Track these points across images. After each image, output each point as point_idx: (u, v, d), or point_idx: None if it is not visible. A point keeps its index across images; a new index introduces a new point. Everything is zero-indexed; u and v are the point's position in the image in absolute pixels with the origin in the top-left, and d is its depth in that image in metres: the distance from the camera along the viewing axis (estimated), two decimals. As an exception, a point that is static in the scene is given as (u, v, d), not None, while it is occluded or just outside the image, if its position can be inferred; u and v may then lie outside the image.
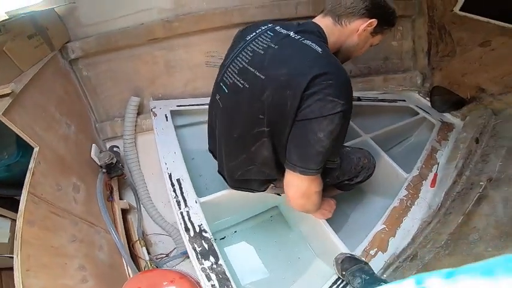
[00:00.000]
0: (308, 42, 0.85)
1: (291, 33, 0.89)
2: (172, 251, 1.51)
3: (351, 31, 0.96)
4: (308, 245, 1.48)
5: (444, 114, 1.86)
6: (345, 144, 1.47)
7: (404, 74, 2.03)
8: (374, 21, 0.94)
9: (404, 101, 1.91)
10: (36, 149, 0.98)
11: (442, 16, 1.88)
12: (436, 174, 1.40)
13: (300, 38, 0.87)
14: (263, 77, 0.84)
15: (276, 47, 0.87)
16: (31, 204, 0.86)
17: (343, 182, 1.22)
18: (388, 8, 0.96)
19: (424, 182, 1.37)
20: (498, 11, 1.63)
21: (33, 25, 1.21)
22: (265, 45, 0.89)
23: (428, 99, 1.95)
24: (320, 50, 0.82)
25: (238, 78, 0.92)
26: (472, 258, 0.92)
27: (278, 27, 0.94)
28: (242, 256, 1.47)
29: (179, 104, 1.70)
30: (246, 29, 1.03)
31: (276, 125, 0.86)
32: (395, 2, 1.85)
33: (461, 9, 1.78)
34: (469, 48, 1.79)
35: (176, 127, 1.61)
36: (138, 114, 1.71)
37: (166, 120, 1.57)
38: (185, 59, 1.75)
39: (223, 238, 1.52)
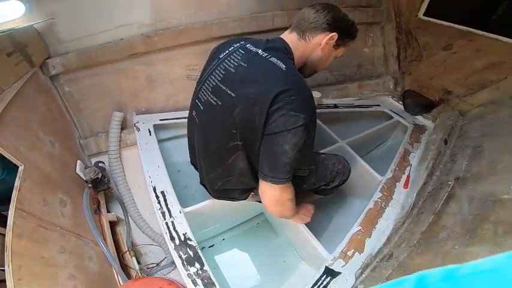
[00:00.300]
0: (274, 59, 0.91)
1: (259, 51, 0.94)
2: (162, 260, 1.54)
3: (314, 45, 1.02)
4: (293, 249, 1.54)
5: (416, 117, 1.95)
6: (322, 151, 1.54)
7: (377, 80, 2.13)
8: (335, 35, 1.00)
9: (379, 105, 2.00)
10: (21, 168, 0.99)
11: (408, 22, 1.99)
12: (408, 176, 1.47)
13: (266, 56, 0.93)
14: (234, 95, 0.91)
15: (245, 65, 0.93)
16: (19, 219, 0.89)
17: (321, 187, 1.28)
18: (348, 21, 1.03)
19: (397, 183, 1.44)
20: (457, 16, 1.76)
21: (11, 42, 1.21)
22: (236, 64, 0.94)
23: (401, 103, 2.05)
24: (284, 67, 0.89)
25: (212, 96, 0.98)
26: (441, 256, 0.99)
27: (249, 45, 0.99)
28: (231, 262, 1.53)
29: (162, 118, 1.73)
30: (220, 47, 1.08)
31: (248, 139, 0.92)
32: (365, 10, 1.99)
33: (424, 14, 1.89)
34: (434, 52, 1.90)
35: (161, 141, 1.65)
36: (122, 129, 1.72)
37: (150, 135, 1.60)
38: (166, 73, 1.77)
39: (212, 246, 1.57)
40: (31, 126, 1.19)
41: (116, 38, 1.61)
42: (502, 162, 1.20)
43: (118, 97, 1.73)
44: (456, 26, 1.75)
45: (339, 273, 1.12)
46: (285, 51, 0.98)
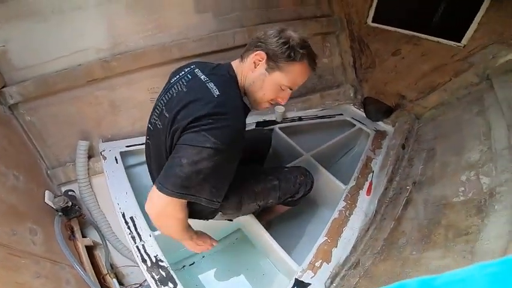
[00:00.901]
0: (211, 85, 0.88)
1: (202, 76, 0.93)
2: (145, 280, 1.53)
3: (248, 67, 0.95)
4: (270, 261, 1.57)
5: (378, 122, 2.04)
6: (288, 165, 1.58)
7: (338, 89, 2.21)
8: (261, 53, 0.91)
9: (341, 114, 2.07)
10: None
11: (359, 29, 2.09)
12: (371, 183, 1.54)
13: (206, 81, 0.90)
14: (168, 118, 0.89)
15: (185, 90, 0.92)
16: None
17: (287, 200, 1.32)
18: (283, 40, 0.89)
19: (360, 191, 1.50)
20: (402, 20, 1.86)
21: None
22: (179, 89, 0.94)
23: (362, 110, 2.13)
24: (217, 93, 0.85)
25: (158, 120, 0.97)
26: (401, 263, 1.04)
27: (197, 70, 0.98)
28: (212, 278, 1.55)
29: (128, 144, 1.71)
30: (175, 71, 1.08)
31: None
32: (319, 20, 2.06)
33: (373, 21, 1.99)
34: (385, 58, 2.01)
35: (129, 166, 1.65)
36: (90, 157, 1.69)
37: (117, 163, 1.59)
38: (129, 97, 1.75)
39: (192, 263, 1.59)
40: None
41: (73, 64, 1.58)
42: (451, 164, 1.29)
43: (81, 125, 1.70)
44: (401, 30, 1.86)
45: (309, 284, 1.15)
46: (227, 76, 0.96)
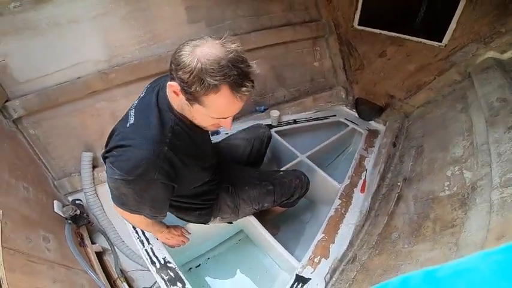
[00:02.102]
0: (132, 112, 0.87)
1: (136, 101, 0.94)
2: (154, 283, 1.63)
3: (171, 95, 0.84)
4: (272, 260, 1.64)
5: (370, 122, 2.12)
6: (283, 168, 1.65)
7: (330, 91, 2.28)
8: (173, 85, 0.77)
9: (334, 116, 2.15)
10: None
11: (346, 32, 2.16)
12: (364, 181, 1.61)
13: (131, 107, 0.91)
14: None
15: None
16: (8, 255, 0.98)
17: (283, 202, 1.38)
18: (188, 66, 0.71)
19: (355, 189, 1.57)
20: (386, 22, 1.93)
21: None
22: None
23: (354, 110, 2.21)
24: (131, 122, 0.84)
25: None
26: (394, 256, 1.11)
27: (148, 89, 0.97)
28: (218, 279, 1.62)
29: (132, 154, 1.76)
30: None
31: None
32: (309, 25, 2.14)
33: (359, 24, 2.07)
34: (372, 60, 2.09)
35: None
36: (94, 167, 1.74)
37: (120, 172, 1.63)
38: (129, 107, 1.80)
39: (198, 266, 1.66)
40: (2, 176, 1.24)
41: (73, 77, 1.62)
42: (438, 160, 1.36)
43: (84, 136, 1.74)
44: (386, 32, 1.94)
45: (309, 279, 1.22)
46: (153, 99, 0.87)
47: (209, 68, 0.70)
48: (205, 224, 1.32)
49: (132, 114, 0.87)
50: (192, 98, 0.76)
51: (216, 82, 0.70)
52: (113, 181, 0.83)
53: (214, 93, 0.73)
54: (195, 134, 0.93)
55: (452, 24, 1.61)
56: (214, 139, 1.87)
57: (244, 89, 0.74)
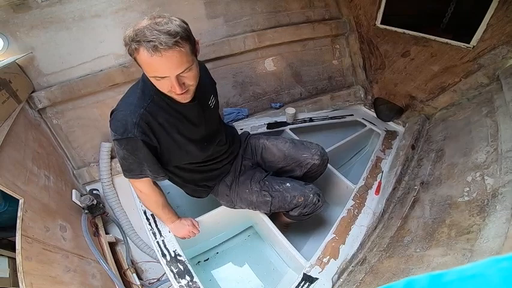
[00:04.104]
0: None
1: None
2: (163, 275, 1.66)
3: None
4: (280, 257, 1.64)
5: (388, 123, 2.05)
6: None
7: (348, 90, 2.23)
8: None
9: (352, 115, 2.10)
10: (21, 201, 1.10)
11: (367, 31, 2.10)
12: (380, 182, 1.57)
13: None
14: None
15: None
16: (26, 243, 1.02)
17: (283, 213, 1.40)
18: (124, 38, 0.86)
19: (369, 191, 1.53)
20: (411, 22, 1.87)
21: None
22: None
23: (373, 110, 2.15)
24: (124, 94, 1.06)
25: None
26: (404, 260, 1.08)
27: None
28: (225, 273, 1.64)
29: (149, 146, 1.80)
30: None
31: None
32: (328, 23, 2.11)
33: (381, 23, 2.00)
34: (394, 59, 2.02)
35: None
36: (112, 158, 1.78)
37: (137, 163, 1.67)
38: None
39: (207, 259, 1.69)
40: (25, 163, 1.27)
41: (95, 70, 1.67)
42: (459, 165, 1.31)
43: (104, 127, 1.78)
44: (410, 32, 1.87)
45: (316, 278, 1.21)
46: (141, 76, 1.07)
47: (130, 34, 0.82)
48: (199, 198, 1.41)
49: (127, 90, 1.06)
50: (135, 62, 0.88)
51: (135, 45, 0.82)
52: (114, 143, 1.01)
53: (137, 54, 0.84)
54: (177, 103, 1.02)
55: (482, 26, 1.53)
56: (241, 126, 1.91)
57: (156, 47, 0.80)
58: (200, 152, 1.18)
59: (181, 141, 1.10)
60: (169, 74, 0.87)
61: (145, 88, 1.01)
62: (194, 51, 0.90)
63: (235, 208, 1.40)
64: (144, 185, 1.15)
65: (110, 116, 1.02)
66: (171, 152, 1.10)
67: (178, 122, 1.06)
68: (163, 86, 0.92)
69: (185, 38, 0.84)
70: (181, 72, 0.88)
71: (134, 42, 0.81)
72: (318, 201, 1.30)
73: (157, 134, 1.02)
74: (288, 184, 1.31)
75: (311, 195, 1.28)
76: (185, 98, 0.98)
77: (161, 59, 0.82)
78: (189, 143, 1.12)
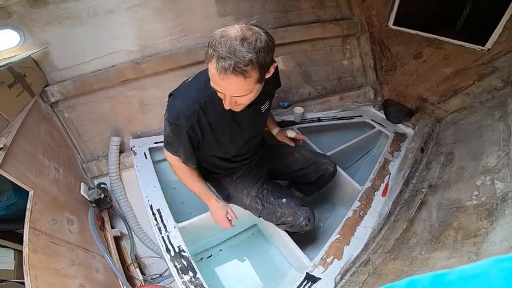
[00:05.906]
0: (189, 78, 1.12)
1: None
2: (165, 270, 1.67)
3: None
4: (283, 256, 1.64)
5: (398, 125, 2.03)
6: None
7: (357, 91, 2.21)
8: None
9: (361, 116, 2.08)
10: (31, 193, 1.11)
11: (379, 32, 2.08)
12: (387, 184, 1.55)
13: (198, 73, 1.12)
14: None
15: None
16: (33, 236, 1.02)
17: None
18: (210, 39, 0.87)
19: (376, 192, 1.52)
20: (424, 24, 1.84)
21: (11, 74, 1.26)
22: None
23: (382, 112, 2.13)
24: (189, 80, 1.10)
25: None
26: (409, 262, 1.07)
27: None
28: (228, 270, 1.65)
29: (157, 141, 1.83)
30: None
31: None
32: (339, 23, 2.09)
33: (394, 24, 1.98)
34: (406, 61, 1.99)
35: (156, 162, 1.76)
36: (121, 152, 1.81)
37: (146, 158, 1.71)
38: (158, 97, 1.85)
39: (210, 256, 1.70)
40: (37, 155, 1.29)
41: (107, 65, 1.70)
42: (468, 169, 1.29)
43: (114, 122, 1.82)
44: (423, 33, 1.84)
45: (319, 278, 1.21)
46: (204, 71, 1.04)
47: (216, 38, 0.81)
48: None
49: (195, 75, 1.09)
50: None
51: (211, 52, 0.82)
52: (165, 120, 1.08)
53: (209, 61, 0.84)
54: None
55: (499, 28, 1.50)
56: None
57: (228, 69, 0.80)
58: (235, 151, 1.23)
59: (224, 141, 1.15)
60: (226, 94, 0.90)
61: (208, 85, 0.96)
62: (261, 78, 0.89)
63: (229, 203, 1.41)
64: (176, 160, 1.21)
65: (169, 97, 1.09)
66: (210, 147, 1.17)
67: (226, 124, 1.10)
68: (219, 95, 0.94)
69: (257, 66, 0.82)
70: (238, 96, 0.91)
71: (212, 49, 0.82)
72: (306, 225, 1.31)
73: (204, 131, 1.08)
74: (284, 200, 1.34)
75: (301, 218, 1.30)
76: (235, 109, 1.00)
77: (223, 79, 0.82)
78: (230, 143, 1.17)
